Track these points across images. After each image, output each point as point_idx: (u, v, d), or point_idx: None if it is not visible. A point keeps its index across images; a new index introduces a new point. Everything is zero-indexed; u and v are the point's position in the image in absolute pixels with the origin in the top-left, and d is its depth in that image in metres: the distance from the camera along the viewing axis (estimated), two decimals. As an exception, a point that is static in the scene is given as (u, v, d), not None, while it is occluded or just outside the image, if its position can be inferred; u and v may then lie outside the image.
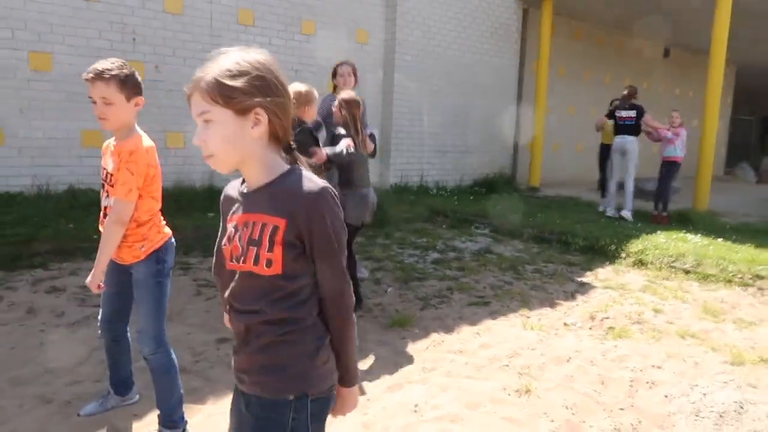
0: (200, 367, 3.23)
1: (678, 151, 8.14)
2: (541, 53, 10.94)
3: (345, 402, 1.39)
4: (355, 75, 5.42)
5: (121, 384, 2.75)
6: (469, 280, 5.16)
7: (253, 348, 1.29)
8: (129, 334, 2.68)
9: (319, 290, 1.30)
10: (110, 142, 2.45)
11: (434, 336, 3.86)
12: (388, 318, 4.12)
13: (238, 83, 1.23)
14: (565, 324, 4.24)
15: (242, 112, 1.24)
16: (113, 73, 2.26)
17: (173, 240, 2.55)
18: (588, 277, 5.52)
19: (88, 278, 2.34)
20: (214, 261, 1.48)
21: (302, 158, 1.37)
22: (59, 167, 6.47)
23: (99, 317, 2.63)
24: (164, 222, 2.53)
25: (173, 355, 2.52)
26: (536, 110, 11.04)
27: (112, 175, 2.36)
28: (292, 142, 1.35)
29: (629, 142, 8.08)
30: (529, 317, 4.32)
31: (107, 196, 2.42)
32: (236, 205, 1.35)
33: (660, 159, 8.36)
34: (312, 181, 1.27)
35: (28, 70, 6.19)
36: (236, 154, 1.27)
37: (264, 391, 1.28)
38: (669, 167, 8.19)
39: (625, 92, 8.33)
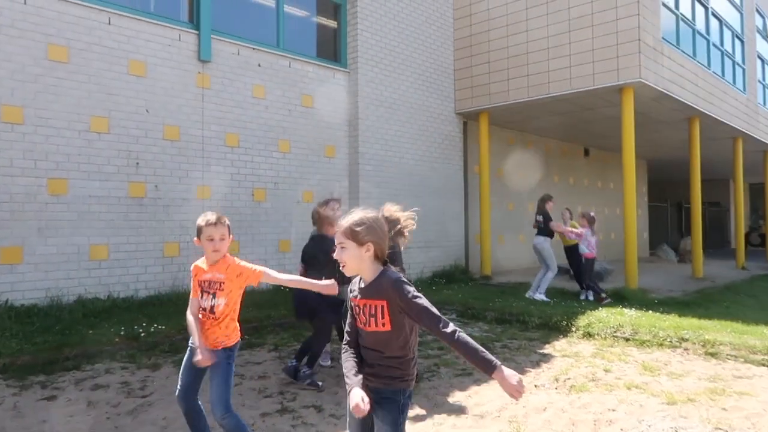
0: (256, 435, 3.95)
1: (584, 248, 9.67)
2: (481, 158, 12.56)
3: (504, 386, 2.13)
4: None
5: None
6: (450, 357, 6.06)
7: (381, 367, 2.26)
8: (201, 403, 3.42)
9: (414, 334, 2.28)
10: (201, 262, 3.36)
11: (435, 400, 4.72)
12: (395, 389, 4.96)
13: (359, 229, 2.26)
14: (536, 386, 5.18)
15: (360, 244, 2.27)
16: (226, 220, 3.27)
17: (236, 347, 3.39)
18: (547, 349, 6.54)
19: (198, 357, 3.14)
20: (347, 326, 2.44)
21: (391, 265, 2.38)
22: (70, 279, 7.09)
23: (177, 389, 3.37)
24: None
25: (241, 418, 3.28)
26: (481, 207, 12.49)
27: (219, 282, 3.25)
28: (386, 258, 2.36)
29: (538, 242, 9.60)
30: (506, 382, 5.23)
31: (213, 297, 3.28)
32: (356, 293, 2.34)
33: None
34: (392, 275, 2.28)
35: (46, 195, 6.96)
36: (357, 266, 2.30)
37: (387, 386, 2.26)
38: (584, 261, 9.75)
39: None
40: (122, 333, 6.27)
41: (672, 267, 16.30)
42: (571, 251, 9.87)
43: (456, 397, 4.79)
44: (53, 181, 7.03)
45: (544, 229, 9.59)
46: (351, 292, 2.41)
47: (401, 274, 2.32)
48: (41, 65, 7.00)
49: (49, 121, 7.02)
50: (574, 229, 9.68)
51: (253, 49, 9.22)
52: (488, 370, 2.13)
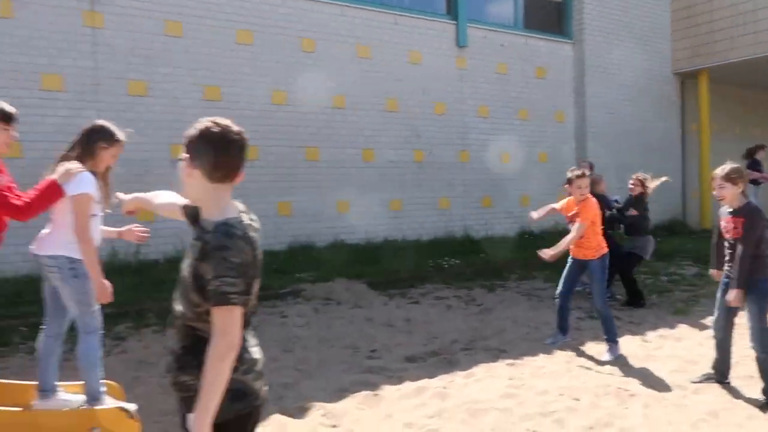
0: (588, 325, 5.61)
1: None
2: (701, 116, 12.96)
3: None
4: (591, 168, 7.75)
5: (563, 329, 5.19)
6: (706, 291, 7.23)
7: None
8: (570, 303, 5.13)
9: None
10: (569, 200, 4.99)
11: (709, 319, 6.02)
12: (672, 309, 6.36)
13: (734, 176, 3.70)
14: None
15: (734, 184, 3.70)
16: (590, 174, 4.84)
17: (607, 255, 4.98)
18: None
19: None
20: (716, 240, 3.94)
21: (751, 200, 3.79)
22: (378, 225, 9.34)
23: (558, 290, 5.10)
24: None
25: (609, 310, 4.92)
26: (701, 163, 12.96)
27: (577, 215, 4.87)
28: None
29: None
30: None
31: (572, 224, 4.92)
32: (726, 215, 3.78)
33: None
34: (753, 205, 3.67)
35: (361, 161, 9.23)
36: (731, 199, 3.74)
37: (750, 276, 3.68)
38: None
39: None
40: (431, 264, 8.35)
41: None
42: None
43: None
44: (365, 151, 9.28)
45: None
46: (722, 215, 3.87)
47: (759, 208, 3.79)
48: (354, 62, 9.19)
49: (360, 105, 9.22)
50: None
51: (497, 31, 10.73)
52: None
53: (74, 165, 3.02)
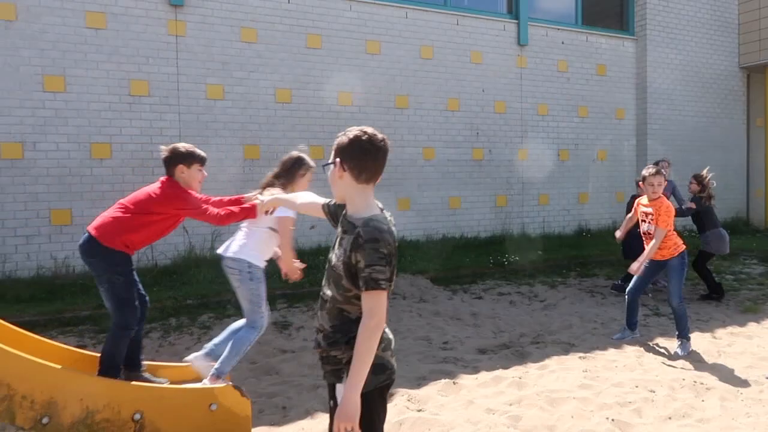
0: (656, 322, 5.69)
1: None
2: (767, 111, 12.60)
3: None
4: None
5: (631, 325, 5.28)
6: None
7: None
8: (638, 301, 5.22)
9: None
10: (642, 200, 5.08)
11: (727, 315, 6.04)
12: (741, 307, 6.34)
13: None
14: None
15: None
16: (664, 171, 4.91)
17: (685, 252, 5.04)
18: None
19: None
20: None
21: None
22: (437, 222, 9.58)
23: (629, 286, 5.20)
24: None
25: (687, 308, 4.98)
26: (767, 159, 12.59)
27: (651, 215, 4.96)
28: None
29: None
30: (839, 310, 6.25)
31: (647, 225, 5.01)
32: None
33: None
34: None
35: (422, 160, 9.45)
36: None
37: None
38: None
39: None
40: (491, 262, 8.51)
41: None
42: None
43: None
44: (426, 149, 9.49)
45: None
46: None
47: None
48: (417, 63, 9.41)
49: (422, 105, 9.45)
50: None
51: (558, 29, 10.75)
52: None
53: (278, 192, 3.36)
